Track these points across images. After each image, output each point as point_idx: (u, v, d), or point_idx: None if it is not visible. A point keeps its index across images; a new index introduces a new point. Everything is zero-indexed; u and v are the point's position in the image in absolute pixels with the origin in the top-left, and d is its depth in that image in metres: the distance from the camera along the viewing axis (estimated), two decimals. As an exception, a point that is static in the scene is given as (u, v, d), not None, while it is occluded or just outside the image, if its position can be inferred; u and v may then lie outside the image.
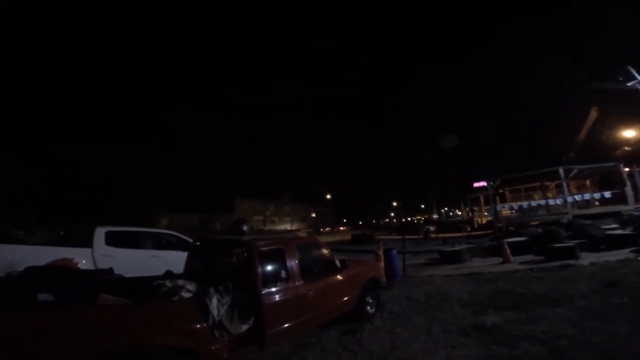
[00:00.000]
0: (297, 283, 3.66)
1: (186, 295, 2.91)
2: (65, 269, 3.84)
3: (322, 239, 33.04)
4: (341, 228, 61.89)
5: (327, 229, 57.82)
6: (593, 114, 23.90)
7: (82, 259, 5.51)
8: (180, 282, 3.06)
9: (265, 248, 3.56)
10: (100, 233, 5.90)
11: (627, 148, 21.16)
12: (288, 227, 55.89)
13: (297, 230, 49.84)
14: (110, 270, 4.14)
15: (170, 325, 2.55)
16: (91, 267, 5.45)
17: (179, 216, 39.17)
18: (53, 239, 6.94)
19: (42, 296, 2.84)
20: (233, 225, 4.68)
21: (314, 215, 66.07)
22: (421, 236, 22.78)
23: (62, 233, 7.08)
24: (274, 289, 3.40)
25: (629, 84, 12.60)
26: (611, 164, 16.37)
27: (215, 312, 2.71)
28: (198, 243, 4.52)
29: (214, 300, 2.76)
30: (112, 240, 5.97)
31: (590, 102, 23.60)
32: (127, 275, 4.20)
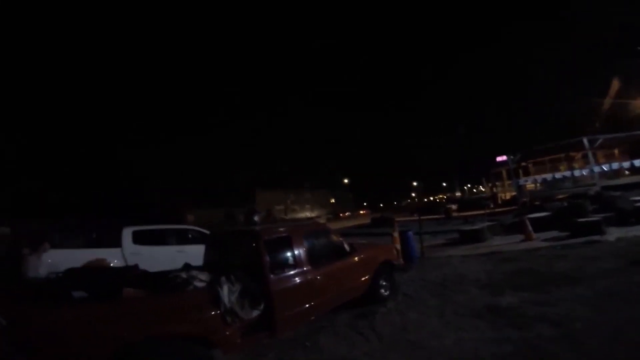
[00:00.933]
0: (305, 269, 3.76)
1: (199, 285, 3.07)
2: (97, 268, 4.17)
3: (342, 223, 33.38)
4: (361, 212, 61.87)
5: (347, 213, 57.99)
6: (615, 84, 22.48)
7: (114, 259, 5.88)
8: (194, 273, 3.22)
9: (271, 236, 3.68)
10: (127, 233, 6.26)
11: None
12: (308, 214, 56.51)
13: (317, 216, 50.34)
14: (136, 266, 4.43)
15: (184, 315, 2.71)
16: (122, 265, 5.80)
17: (204, 212, 40.49)
18: (88, 241, 7.40)
19: (77, 294, 3.11)
20: (245, 217, 4.87)
21: (333, 200, 66.31)
22: (442, 215, 22.49)
23: (94, 235, 7.56)
24: (282, 276, 3.52)
25: None
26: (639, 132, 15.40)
27: (226, 300, 2.86)
28: (212, 236, 4.74)
29: (225, 289, 2.90)
30: (139, 239, 6.32)
31: (612, 74, 22.28)
32: (155, 271, 4.48)
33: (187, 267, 3.80)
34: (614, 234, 7.49)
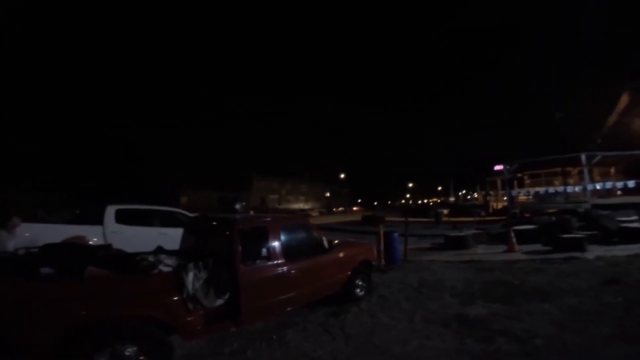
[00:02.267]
0: (278, 262, 3.76)
1: (165, 269, 3.09)
2: (69, 245, 4.17)
3: (334, 218, 33.46)
4: (355, 208, 62.11)
5: (340, 208, 58.18)
6: (624, 99, 22.33)
7: (95, 237, 5.87)
8: (162, 257, 3.25)
9: (247, 226, 3.68)
10: (110, 211, 6.23)
11: None
12: (302, 206, 56.65)
13: (311, 209, 50.48)
14: (109, 245, 4.44)
15: (145, 298, 2.72)
16: (102, 243, 5.80)
17: (199, 195, 40.50)
18: (72, 217, 7.39)
19: (44, 270, 3.12)
20: (227, 204, 4.89)
21: (328, 194, 66.45)
22: (432, 219, 22.60)
23: (77, 212, 7.52)
24: (254, 266, 3.54)
25: None
26: (638, 152, 15.41)
27: (190, 286, 2.86)
28: (190, 221, 4.75)
29: (190, 275, 2.91)
30: (122, 218, 6.30)
31: (622, 87, 21.98)
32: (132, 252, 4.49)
33: (158, 250, 3.83)
34: (594, 252, 7.56)
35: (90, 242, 5.56)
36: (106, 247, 4.37)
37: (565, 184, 19.68)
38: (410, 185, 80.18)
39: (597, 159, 16.27)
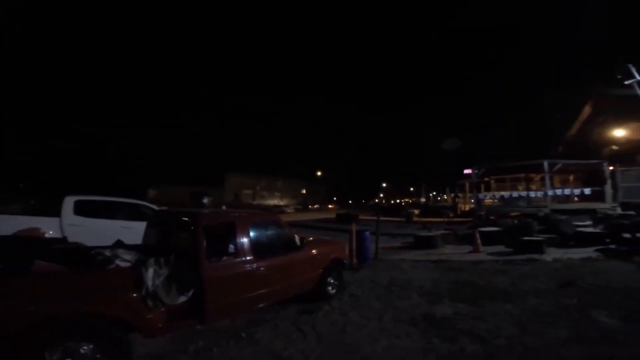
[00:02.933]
0: (246, 258, 3.67)
1: (123, 264, 2.93)
2: (17, 238, 3.86)
3: (309, 215, 33.40)
4: (330, 206, 62.40)
5: (315, 206, 58.27)
6: (587, 109, 23.83)
7: (50, 229, 5.49)
8: (120, 251, 3.08)
9: (213, 222, 3.57)
10: (69, 202, 5.84)
11: (614, 147, 21.32)
12: (277, 202, 56.20)
13: (285, 205, 50.20)
14: (64, 239, 4.17)
15: (99, 294, 2.58)
16: (59, 236, 5.43)
17: (170, 189, 39.18)
18: (27, 208, 6.88)
19: None
20: (194, 199, 4.71)
21: (304, 191, 66.34)
22: (403, 219, 23.15)
23: (32, 202, 7.02)
24: (219, 263, 3.42)
25: (626, 82, 12.48)
26: (595, 161, 16.54)
27: (149, 283, 2.74)
28: (154, 215, 4.54)
29: (150, 271, 2.78)
30: (82, 209, 5.93)
31: (586, 97, 23.38)
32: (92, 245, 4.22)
33: (117, 244, 3.62)
34: (552, 254, 8.03)
35: (46, 235, 5.20)
36: (61, 241, 4.11)
37: (528, 189, 20.79)
38: (384, 185, 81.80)
39: (558, 166, 17.31)
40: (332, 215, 28.29)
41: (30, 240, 3.68)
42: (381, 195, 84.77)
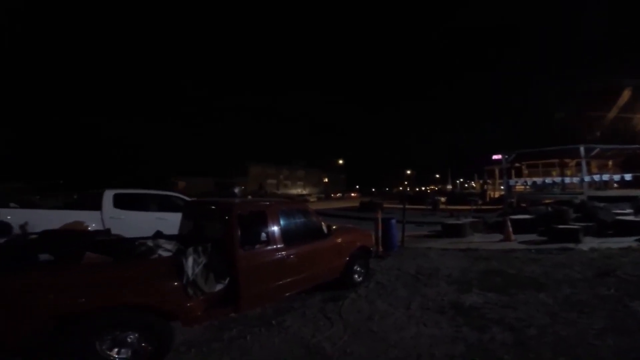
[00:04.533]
0: (277, 247, 3.74)
1: (165, 254, 3.05)
2: (68, 231, 4.15)
3: (332, 204, 33.53)
4: (352, 194, 62.20)
5: (338, 194, 58.29)
6: (626, 94, 22.28)
7: (92, 222, 5.83)
8: (161, 241, 3.20)
9: (245, 211, 3.63)
10: (108, 196, 6.16)
11: None
12: (300, 191, 56.72)
13: (308, 194, 50.57)
14: (108, 231, 4.42)
15: (145, 284, 2.68)
16: (101, 228, 5.77)
17: (196, 180, 40.50)
18: (69, 203, 7.31)
19: (43, 257, 3.10)
20: (225, 189, 4.84)
21: (326, 180, 66.44)
22: (429, 207, 22.73)
23: (75, 197, 7.46)
24: (252, 251, 3.50)
25: None
26: (636, 146, 15.46)
27: (189, 271, 2.83)
28: (188, 205, 4.71)
29: (190, 260, 2.88)
30: (120, 202, 6.23)
31: (625, 84, 21.95)
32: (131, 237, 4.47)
33: (157, 235, 3.80)
34: (589, 243, 7.66)
35: (89, 228, 5.56)
36: (105, 233, 4.36)
37: (563, 175, 19.78)
38: (409, 172, 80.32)
39: (595, 151, 16.33)
40: (355, 204, 28.25)
41: (79, 233, 3.93)
42: (405, 183, 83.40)
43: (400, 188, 78.71)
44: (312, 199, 43.52)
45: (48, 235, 3.63)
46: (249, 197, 8.62)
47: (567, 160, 20.59)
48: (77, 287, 2.43)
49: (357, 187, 76.86)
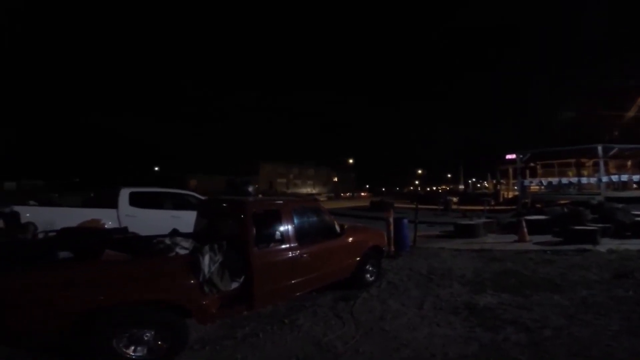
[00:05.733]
0: (291, 245, 3.77)
1: (182, 252, 3.10)
2: (86, 228, 4.28)
3: (342, 203, 33.49)
4: (362, 194, 61.98)
5: (347, 194, 58.16)
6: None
7: (109, 220, 5.97)
8: (178, 239, 3.25)
9: (259, 209, 3.66)
10: (124, 194, 6.29)
11: None
12: (310, 190, 56.84)
13: (318, 194, 50.64)
14: (125, 229, 4.53)
15: (162, 281, 2.73)
16: (117, 226, 5.90)
17: (207, 178, 41.07)
18: (85, 201, 7.50)
19: (62, 254, 3.20)
20: (238, 187, 4.90)
21: (336, 179, 66.37)
22: (441, 207, 22.48)
23: (92, 195, 7.65)
24: (266, 250, 3.53)
25: None
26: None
27: (206, 269, 2.88)
28: (203, 204, 4.76)
29: (206, 258, 2.92)
30: (136, 201, 6.36)
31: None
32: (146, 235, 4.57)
33: (174, 233, 3.87)
34: (606, 245, 7.47)
35: (105, 225, 5.70)
36: (122, 230, 4.47)
37: (579, 175, 19.29)
38: (420, 172, 79.58)
39: (613, 151, 15.89)
40: (365, 203, 28.16)
41: (97, 231, 4.05)
42: (416, 182, 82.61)
43: (411, 188, 77.99)
44: (322, 198, 43.56)
45: (67, 233, 3.75)
46: (260, 195, 8.67)
47: (583, 160, 20.09)
48: (98, 284, 2.47)
49: (367, 186, 76.55)
